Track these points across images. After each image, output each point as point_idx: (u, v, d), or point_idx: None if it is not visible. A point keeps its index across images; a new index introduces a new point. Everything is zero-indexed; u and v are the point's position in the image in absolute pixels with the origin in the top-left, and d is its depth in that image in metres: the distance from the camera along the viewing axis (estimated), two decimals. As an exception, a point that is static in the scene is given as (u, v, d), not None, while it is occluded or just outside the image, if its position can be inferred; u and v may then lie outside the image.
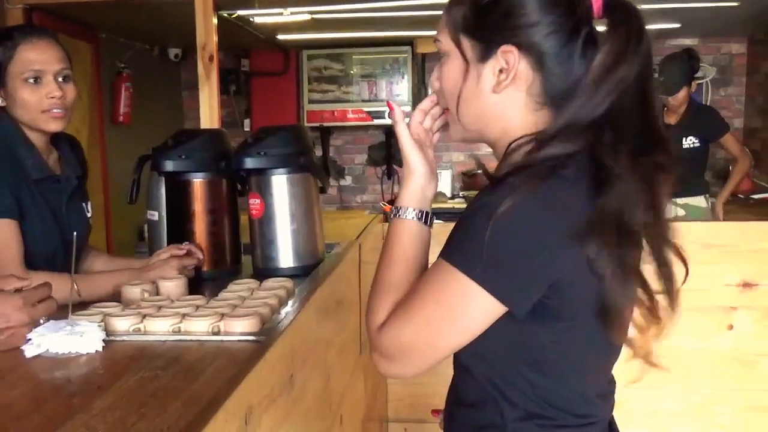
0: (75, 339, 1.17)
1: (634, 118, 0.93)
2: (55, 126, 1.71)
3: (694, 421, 2.91)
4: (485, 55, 0.97)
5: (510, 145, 0.97)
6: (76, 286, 1.32)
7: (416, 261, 1.05)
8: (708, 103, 5.13)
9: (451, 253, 0.93)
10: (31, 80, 1.66)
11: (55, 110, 1.68)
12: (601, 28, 0.97)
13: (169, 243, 1.88)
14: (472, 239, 0.90)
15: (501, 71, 0.97)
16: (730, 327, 2.86)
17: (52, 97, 1.67)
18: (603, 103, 0.92)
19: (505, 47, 0.96)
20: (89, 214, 1.87)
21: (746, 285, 2.84)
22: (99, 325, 1.23)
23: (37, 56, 1.66)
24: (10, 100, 1.67)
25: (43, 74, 1.66)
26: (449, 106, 1.04)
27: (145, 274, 1.66)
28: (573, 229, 0.89)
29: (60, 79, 1.69)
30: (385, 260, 1.06)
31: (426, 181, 1.09)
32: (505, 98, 0.98)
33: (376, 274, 1.06)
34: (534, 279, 0.91)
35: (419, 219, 1.06)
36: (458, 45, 1.00)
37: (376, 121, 5.30)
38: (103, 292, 1.57)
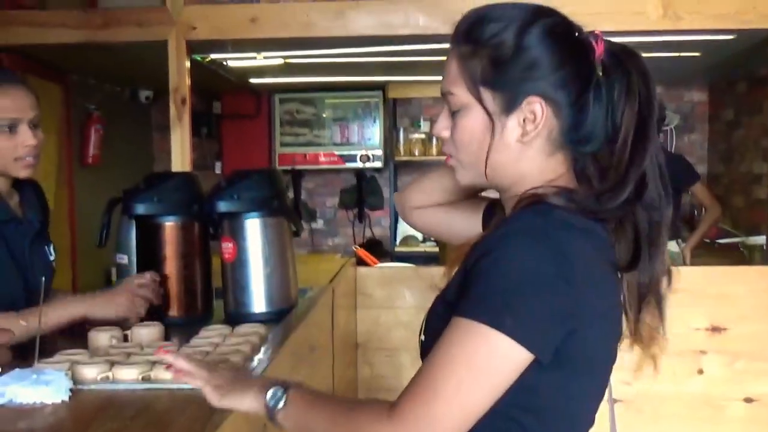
0: (41, 388, 1.14)
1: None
2: (26, 173, 1.70)
3: (667, 467, 2.91)
4: (510, 106, 0.98)
5: (526, 192, 1.00)
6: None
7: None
8: (673, 150, 5.24)
9: (474, 309, 0.89)
10: (6, 128, 1.64)
11: (28, 158, 1.68)
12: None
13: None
14: (496, 291, 0.89)
15: (525, 121, 0.98)
16: (700, 371, 2.88)
17: (27, 146, 1.66)
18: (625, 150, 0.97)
19: (531, 98, 0.97)
20: (52, 258, 1.84)
21: (714, 329, 2.87)
22: (66, 374, 1.20)
23: (13, 104, 1.65)
24: None
25: (18, 122, 1.65)
26: (460, 156, 1.03)
27: (95, 301, 1.65)
28: (594, 275, 0.93)
29: (32, 126, 1.68)
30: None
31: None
32: (525, 146, 1.00)
33: None
34: (558, 325, 0.90)
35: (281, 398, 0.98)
36: (479, 98, 0.99)
37: (348, 165, 5.32)
38: (55, 321, 1.56)
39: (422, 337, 1.03)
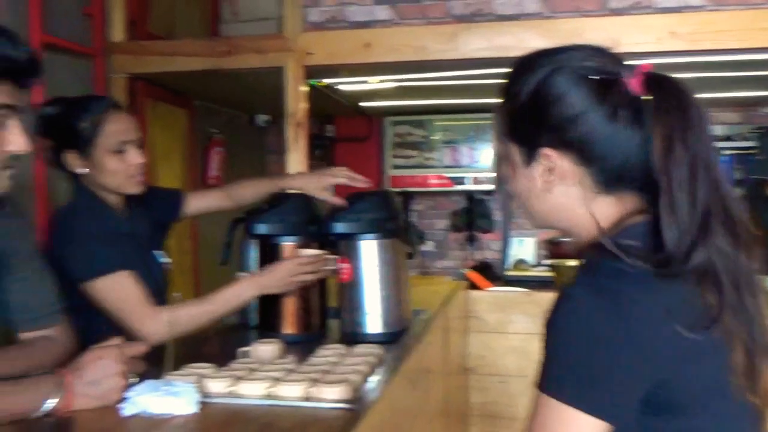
0: (172, 400, 1.18)
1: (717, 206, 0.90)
2: (137, 190, 1.83)
3: None
4: (529, 159, 0.98)
5: (587, 248, 0.96)
6: None
7: None
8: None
9: (545, 382, 0.88)
10: (118, 151, 1.77)
11: (138, 176, 1.81)
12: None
13: (261, 306, 1.90)
14: (553, 359, 0.87)
15: (548, 172, 0.96)
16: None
17: (136, 164, 1.79)
18: (677, 192, 0.88)
19: (544, 150, 0.96)
20: (165, 260, 1.96)
21: None
22: (194, 386, 1.24)
23: (121, 128, 1.79)
24: (96, 168, 1.78)
25: (126, 144, 1.79)
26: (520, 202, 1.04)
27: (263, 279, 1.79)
28: (662, 319, 0.85)
29: (138, 147, 1.81)
30: None
31: None
32: (560, 195, 0.97)
33: None
34: (631, 389, 0.85)
35: None
36: (507, 150, 1.00)
37: (458, 187, 5.30)
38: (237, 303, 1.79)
39: None
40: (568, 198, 0.97)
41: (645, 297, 0.86)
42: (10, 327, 1.47)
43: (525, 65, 0.99)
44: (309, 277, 1.81)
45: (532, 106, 0.96)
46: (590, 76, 0.94)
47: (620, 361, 0.84)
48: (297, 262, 1.79)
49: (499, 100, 1.01)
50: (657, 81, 0.93)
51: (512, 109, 0.98)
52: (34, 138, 1.79)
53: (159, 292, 1.76)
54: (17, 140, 1.24)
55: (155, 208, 1.99)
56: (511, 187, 1.02)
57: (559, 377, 0.86)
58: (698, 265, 0.87)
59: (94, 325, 1.59)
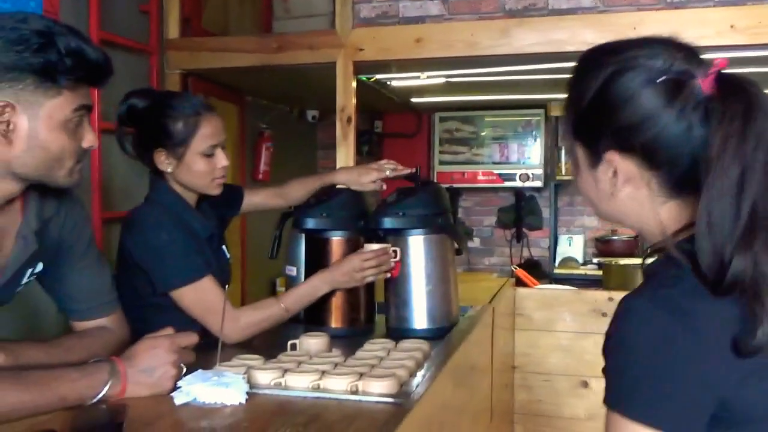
0: (221, 390, 1.21)
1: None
2: (218, 191, 1.83)
3: None
4: (595, 161, 0.95)
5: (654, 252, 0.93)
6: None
7: None
8: None
9: (607, 397, 0.86)
10: (208, 154, 1.76)
11: (221, 177, 1.81)
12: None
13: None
14: (618, 374, 0.85)
15: (613, 174, 0.93)
16: None
17: (223, 167, 1.79)
18: (723, 199, 0.83)
19: (609, 154, 0.92)
20: (228, 256, 1.97)
21: None
22: (243, 377, 1.26)
23: (214, 131, 1.77)
24: (184, 168, 1.76)
25: (216, 147, 1.78)
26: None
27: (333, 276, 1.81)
28: (719, 343, 0.82)
29: (223, 148, 1.80)
30: None
31: None
32: (627, 198, 0.94)
33: None
34: (697, 400, 0.82)
35: None
36: (573, 149, 0.98)
37: (507, 184, 5.26)
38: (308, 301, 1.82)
39: None
40: (636, 201, 0.94)
41: (708, 309, 0.83)
42: (68, 315, 1.52)
43: (590, 62, 0.95)
44: (374, 272, 1.81)
45: (596, 109, 0.93)
46: (657, 80, 0.89)
47: (688, 374, 0.81)
48: (362, 257, 1.80)
49: (565, 97, 0.98)
50: (728, 83, 0.87)
51: (576, 110, 0.96)
52: (118, 127, 1.83)
53: (224, 286, 1.78)
54: (90, 136, 1.31)
55: (221, 203, 1.98)
56: (578, 185, 1.00)
57: (626, 393, 0.84)
58: (735, 280, 0.83)
59: (173, 322, 1.62)
